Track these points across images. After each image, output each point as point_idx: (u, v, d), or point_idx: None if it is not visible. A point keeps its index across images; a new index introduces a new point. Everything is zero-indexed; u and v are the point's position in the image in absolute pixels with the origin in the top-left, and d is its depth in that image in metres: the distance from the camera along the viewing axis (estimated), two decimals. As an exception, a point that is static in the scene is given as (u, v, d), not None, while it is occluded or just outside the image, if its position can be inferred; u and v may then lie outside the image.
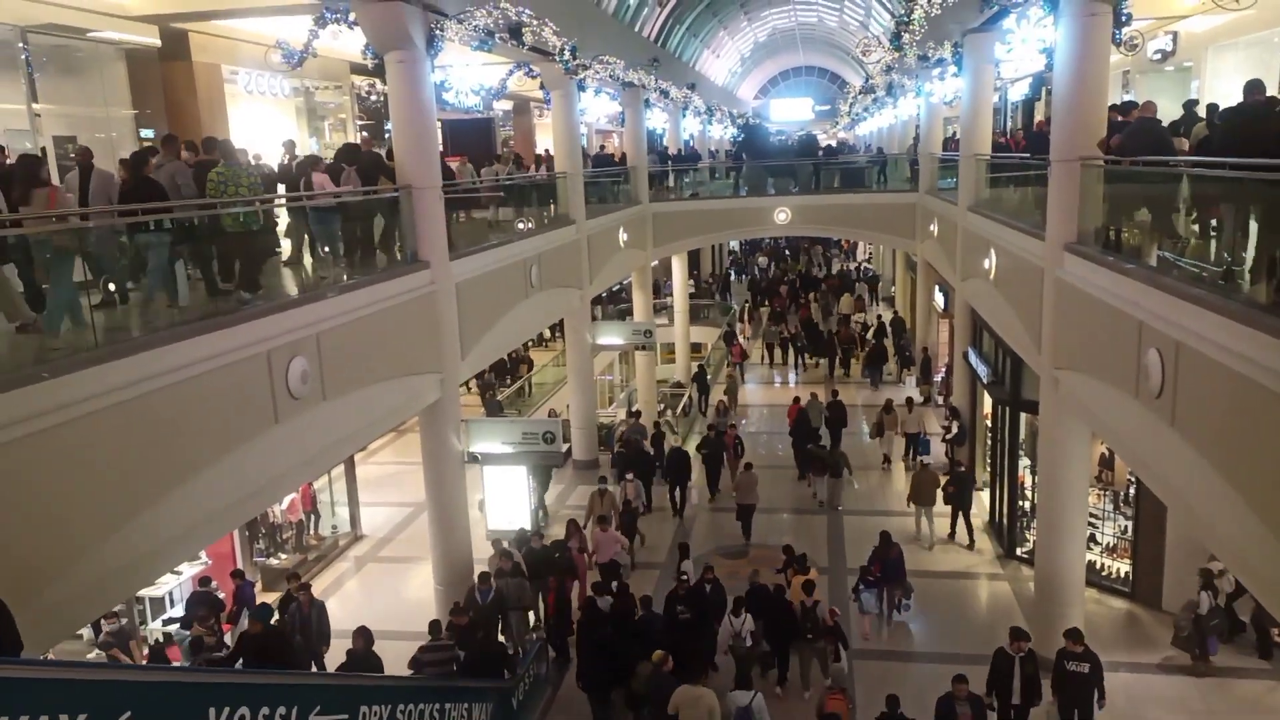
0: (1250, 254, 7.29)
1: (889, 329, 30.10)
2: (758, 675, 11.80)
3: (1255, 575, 6.51)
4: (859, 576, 13.94)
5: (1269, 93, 8.01)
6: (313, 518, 16.71)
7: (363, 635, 10.69)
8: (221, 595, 12.89)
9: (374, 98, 20.57)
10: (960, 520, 16.39)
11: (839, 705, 10.24)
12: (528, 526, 14.73)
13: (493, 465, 14.60)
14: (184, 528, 7.53)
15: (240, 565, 14.26)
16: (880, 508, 18.37)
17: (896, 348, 29.17)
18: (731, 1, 44.45)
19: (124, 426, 6.75)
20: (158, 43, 14.18)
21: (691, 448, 20.17)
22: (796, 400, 21.14)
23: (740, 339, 30.91)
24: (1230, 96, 13.52)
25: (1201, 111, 10.77)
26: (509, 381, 26.39)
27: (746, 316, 36.07)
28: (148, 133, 14.47)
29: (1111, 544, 14.31)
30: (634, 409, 24.25)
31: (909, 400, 20.65)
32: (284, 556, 15.72)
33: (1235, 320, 6.39)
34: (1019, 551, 15.66)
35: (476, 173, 17.38)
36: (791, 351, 30.23)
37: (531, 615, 13.41)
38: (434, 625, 11.44)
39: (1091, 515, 13.83)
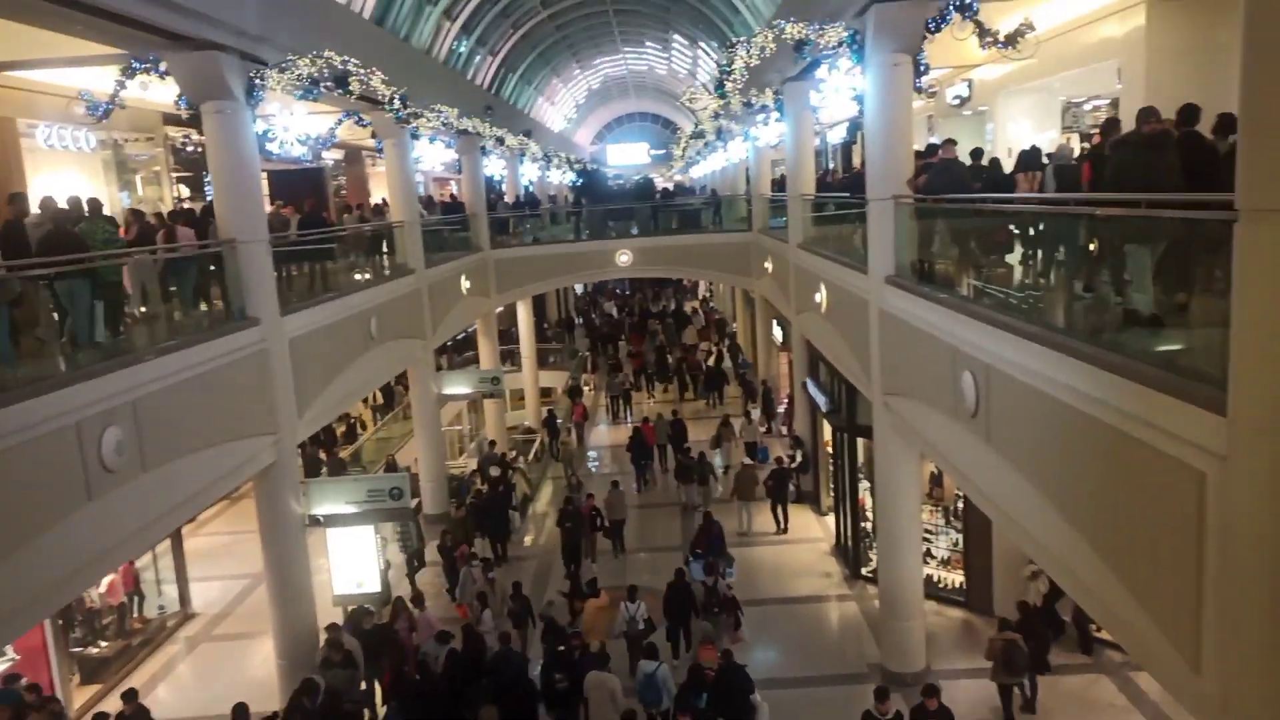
0: (1055, 281, 7.99)
1: (726, 355, 33.99)
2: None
3: (1072, 578, 7.03)
4: (688, 551, 15.99)
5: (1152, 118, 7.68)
6: (136, 599, 15.45)
7: None
8: (29, 698, 11.63)
9: (190, 149, 19.59)
10: (780, 512, 18.66)
11: (709, 655, 11.45)
12: (377, 588, 14.14)
13: (337, 527, 13.95)
14: (-19, 624, 6.81)
15: (54, 657, 12.97)
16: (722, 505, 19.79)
17: (736, 373, 31.75)
18: (563, 51, 45.23)
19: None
20: (-58, 95, 13.07)
21: (545, 506, 20.61)
22: (646, 420, 23.35)
23: (586, 390, 31.16)
24: (1019, 136, 14.87)
25: (1002, 152, 11.72)
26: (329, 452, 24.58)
27: (591, 366, 35.71)
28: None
29: (945, 557, 15.15)
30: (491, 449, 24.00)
31: (746, 414, 23.83)
32: (104, 644, 14.44)
33: (1035, 343, 6.96)
34: (864, 571, 16.31)
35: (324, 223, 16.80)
36: (644, 380, 32.77)
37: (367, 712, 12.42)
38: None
39: (926, 531, 14.63)
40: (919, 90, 11.92)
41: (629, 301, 48.84)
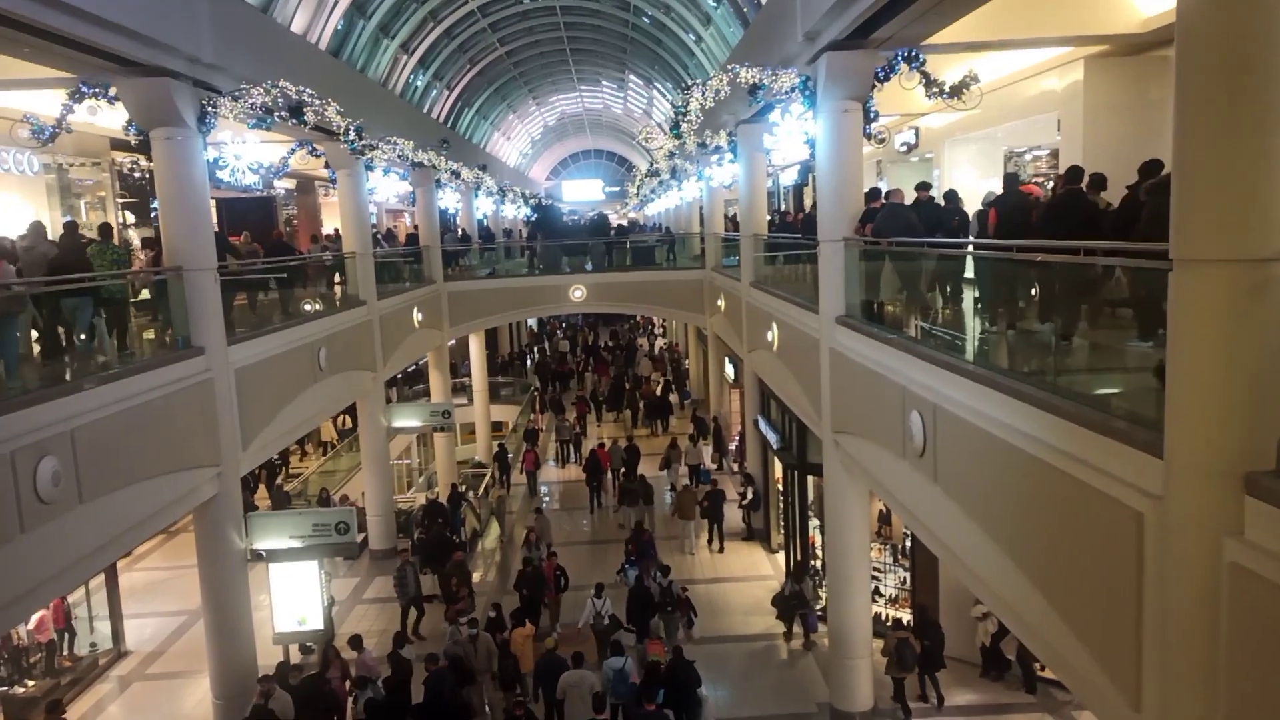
0: (996, 324, 8.22)
1: (672, 385, 36.01)
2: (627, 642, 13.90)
3: (1015, 615, 7.14)
4: (624, 558, 17.33)
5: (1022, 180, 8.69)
6: (66, 636, 14.87)
7: None
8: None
9: (138, 174, 19.27)
10: (715, 530, 19.77)
11: (658, 649, 13.45)
12: (309, 641, 13.66)
13: (280, 562, 13.63)
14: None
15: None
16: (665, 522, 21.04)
17: (681, 404, 33.93)
18: (520, 87, 45.55)
19: None
20: (-124, 113, 12.71)
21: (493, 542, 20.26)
22: (601, 445, 24.41)
23: (539, 432, 30.16)
24: (963, 183, 15.30)
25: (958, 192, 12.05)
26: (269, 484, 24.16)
27: (540, 406, 34.55)
28: None
29: (894, 595, 15.27)
30: (433, 493, 23.55)
31: (691, 437, 25.12)
32: (31, 683, 13.85)
33: (980, 384, 7.13)
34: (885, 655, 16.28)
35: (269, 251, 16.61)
36: (593, 408, 33.32)
37: None
38: None
39: (875, 569, 14.74)
40: (868, 136, 12.24)
41: (577, 335, 48.99)
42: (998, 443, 6.82)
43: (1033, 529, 6.44)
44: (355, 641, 13.25)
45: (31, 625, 13.83)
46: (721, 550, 19.68)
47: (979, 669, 13.78)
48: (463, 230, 30.68)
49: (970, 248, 9.75)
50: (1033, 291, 8.01)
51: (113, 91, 11.04)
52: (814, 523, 16.48)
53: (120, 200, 18.95)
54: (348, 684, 12.60)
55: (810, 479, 16.38)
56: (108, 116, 11.71)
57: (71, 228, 11.04)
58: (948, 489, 8.07)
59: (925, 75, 10.88)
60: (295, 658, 14.55)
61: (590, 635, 14.63)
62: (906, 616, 14.41)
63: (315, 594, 13.68)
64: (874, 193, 11.86)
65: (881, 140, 12.76)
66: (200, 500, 11.73)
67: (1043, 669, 12.98)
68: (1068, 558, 6.02)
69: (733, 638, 15.58)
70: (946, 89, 11.04)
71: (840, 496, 12.73)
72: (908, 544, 14.84)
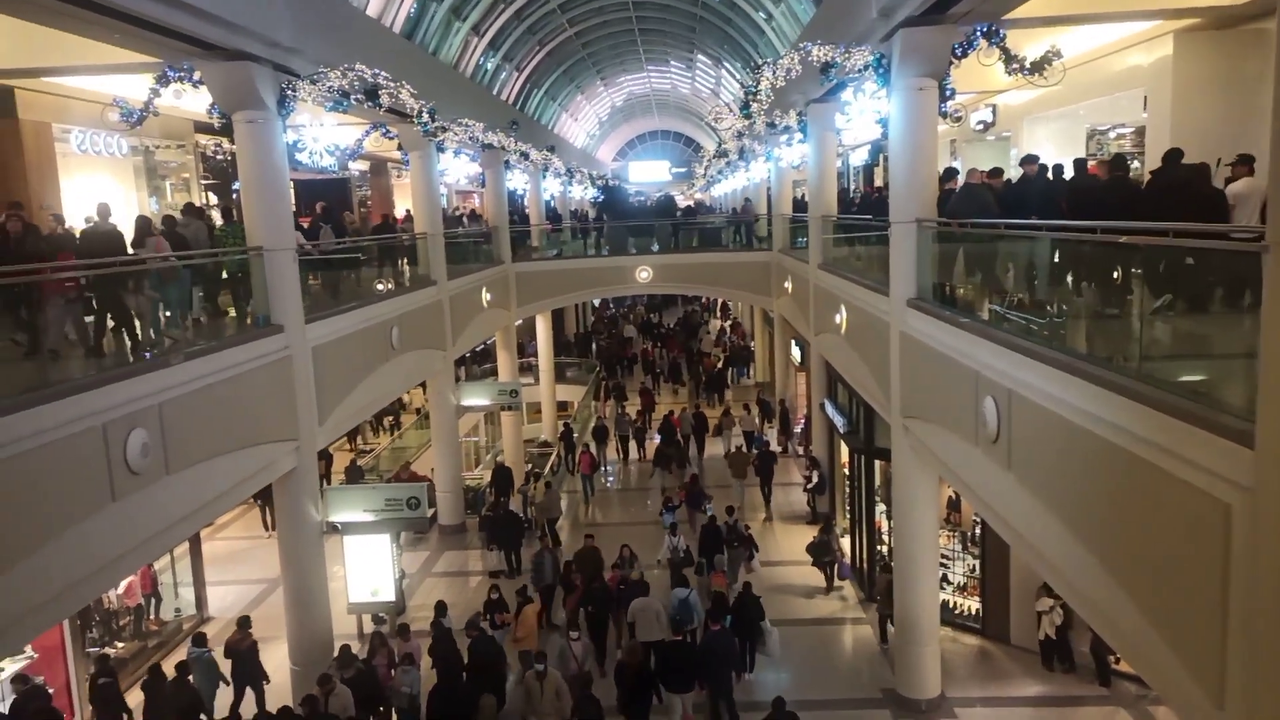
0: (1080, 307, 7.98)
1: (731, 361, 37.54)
2: (692, 575, 15.45)
3: (1091, 607, 6.98)
4: (662, 504, 19.25)
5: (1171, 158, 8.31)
6: (153, 601, 15.54)
7: None
8: (51, 691, 11.75)
9: (220, 156, 19.85)
10: (765, 490, 21.37)
11: (720, 581, 15.31)
12: (390, 609, 13.95)
13: (354, 535, 14.03)
14: (8, 620, 6.89)
15: (71, 657, 13.06)
16: (723, 483, 22.30)
17: (736, 380, 36.19)
18: (588, 68, 45.57)
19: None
20: (-20, 98, 13.33)
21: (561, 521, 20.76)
22: (672, 412, 26.28)
23: (607, 429, 29.46)
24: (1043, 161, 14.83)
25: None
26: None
27: (603, 394, 33.28)
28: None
29: (962, 583, 15.03)
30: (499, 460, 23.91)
31: (745, 406, 27.08)
32: (120, 645, 14.53)
33: (1057, 369, 6.94)
34: (879, 595, 16.19)
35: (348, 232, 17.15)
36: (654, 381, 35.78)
37: None
38: None
39: (943, 556, 14.52)
40: (944, 114, 11.94)
41: (640, 317, 49.25)
42: (1076, 430, 6.64)
43: (1112, 519, 6.27)
44: (403, 629, 13.25)
45: (121, 590, 14.47)
46: (769, 517, 20.91)
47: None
48: (554, 210, 30.98)
49: (1055, 231, 9.44)
50: (1115, 275, 7.73)
51: (196, 75, 11.36)
52: (880, 508, 16.29)
53: (203, 182, 19.57)
54: (393, 671, 12.49)
55: (877, 463, 16.18)
56: (192, 100, 12.10)
57: (197, 212, 11.62)
58: (1022, 477, 7.90)
59: (1005, 51, 10.54)
60: (369, 627, 14.98)
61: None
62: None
63: (387, 566, 14.05)
64: (948, 173, 11.59)
65: (958, 119, 12.41)
66: (279, 473, 12.11)
67: (1117, 661, 12.66)
68: (1150, 550, 5.85)
69: (796, 621, 15.51)
70: (1027, 65, 10.68)
71: (908, 482, 12.56)
72: (978, 531, 14.58)
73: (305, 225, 15.64)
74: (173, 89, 11.46)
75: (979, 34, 10.56)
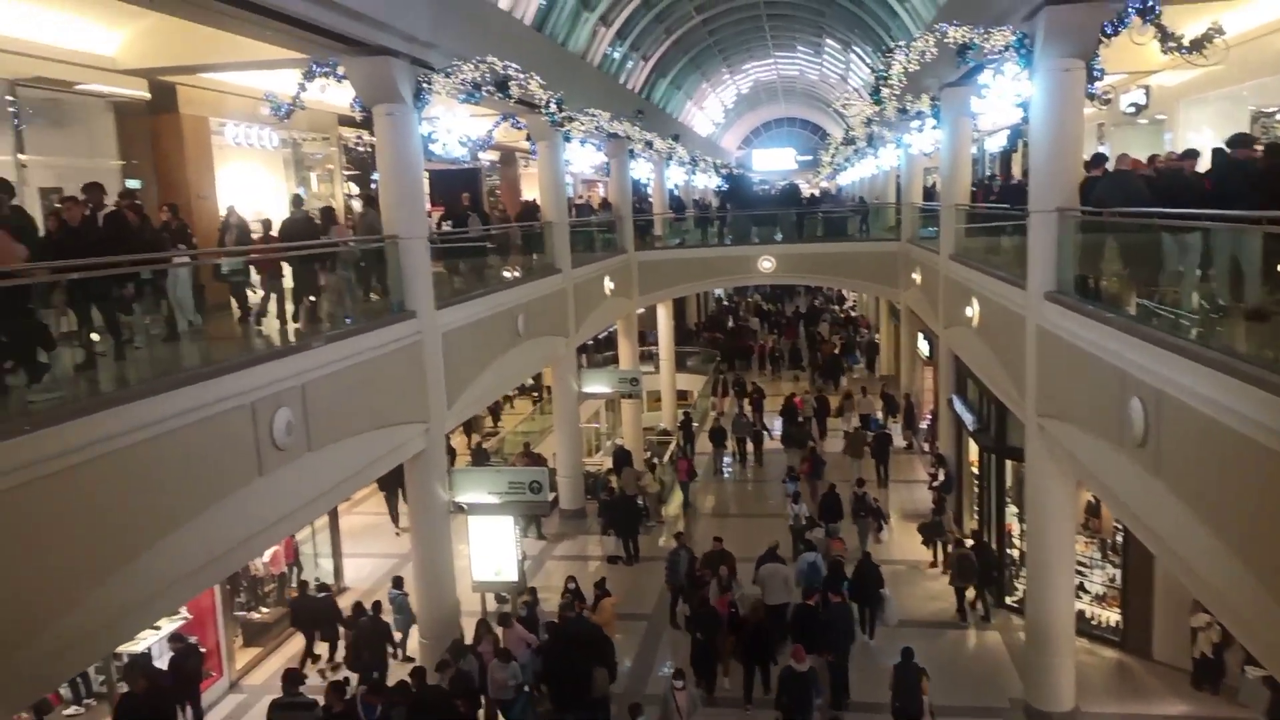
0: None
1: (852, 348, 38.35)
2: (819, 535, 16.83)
3: (1247, 627, 6.50)
4: (785, 474, 20.72)
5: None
6: (295, 570, 16.43)
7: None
8: (204, 650, 12.61)
9: (360, 148, 20.72)
10: (882, 469, 22.44)
11: (839, 546, 16.01)
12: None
13: (478, 515, 14.45)
14: (168, 581, 7.41)
15: (221, 619, 13.97)
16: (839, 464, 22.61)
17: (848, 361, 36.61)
18: (714, 55, 45.30)
19: (108, 480, 6.66)
20: (146, 95, 14.25)
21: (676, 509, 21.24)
22: (793, 395, 27.33)
23: (717, 414, 29.62)
24: (1201, 148, 13.87)
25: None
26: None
27: (721, 389, 32.53)
28: (134, 183, 14.48)
29: (1101, 593, 14.26)
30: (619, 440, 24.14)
31: (863, 389, 27.94)
32: (265, 610, 15.44)
33: (1216, 370, 6.45)
34: (1008, 600, 15.58)
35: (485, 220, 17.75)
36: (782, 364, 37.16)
37: None
38: (290, 676, 11.04)
39: (1080, 563, 13.81)
40: (1091, 97, 11.27)
41: (761, 308, 48.78)
42: (1236, 436, 6.16)
43: (1275, 533, 5.80)
44: (505, 619, 13.37)
45: (266, 559, 15.37)
46: (885, 484, 22.10)
47: (1189, 676, 12.70)
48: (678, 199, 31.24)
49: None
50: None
51: (341, 70, 11.85)
52: (1011, 510, 15.64)
53: (345, 172, 20.48)
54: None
55: (1009, 464, 15.52)
56: (335, 94, 12.65)
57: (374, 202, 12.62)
58: (1172, 484, 7.42)
59: (1161, 28, 9.84)
60: (492, 605, 15.44)
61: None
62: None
63: (510, 547, 14.41)
64: (1096, 159, 10.94)
65: (1107, 101, 11.71)
66: (410, 454, 12.58)
67: None
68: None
69: (919, 623, 15.08)
70: (1185, 43, 9.95)
71: (1044, 485, 11.99)
72: (1119, 539, 13.80)
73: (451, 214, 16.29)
74: (318, 84, 12.00)
75: (1132, 10, 9.91)
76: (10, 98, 12.48)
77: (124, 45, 12.98)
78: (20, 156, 12.70)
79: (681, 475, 22.52)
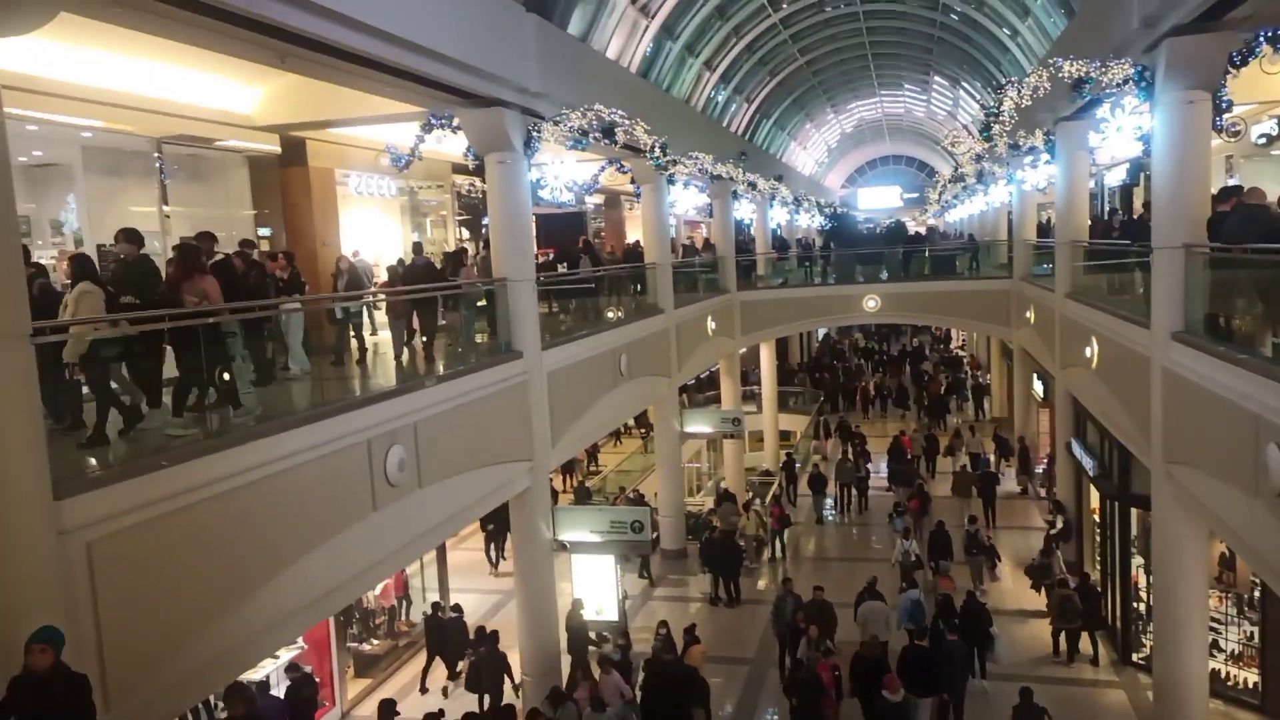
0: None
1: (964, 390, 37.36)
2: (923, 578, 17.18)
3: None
4: (893, 509, 21.11)
5: None
6: (404, 603, 16.86)
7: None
8: (318, 680, 13.05)
9: (472, 194, 21.49)
10: (989, 511, 21.85)
11: (949, 585, 16.16)
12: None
13: (581, 554, 14.58)
14: (289, 611, 7.74)
15: (334, 650, 14.43)
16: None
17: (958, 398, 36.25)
18: (818, 95, 45.23)
19: (234, 513, 7.05)
20: (278, 150, 15.19)
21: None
22: (902, 433, 27.38)
23: (819, 457, 29.20)
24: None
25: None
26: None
27: (824, 432, 31.45)
28: (265, 231, 15.42)
29: (1237, 651, 13.33)
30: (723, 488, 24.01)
31: (971, 428, 27.76)
32: (375, 642, 15.87)
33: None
34: (1135, 657, 14.72)
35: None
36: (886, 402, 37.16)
37: None
38: (384, 707, 11.93)
39: (1213, 620, 12.94)
40: (1218, 129, 10.79)
41: (869, 350, 48.00)
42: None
43: None
44: (604, 661, 13.25)
45: (378, 591, 15.84)
46: (992, 525, 21.43)
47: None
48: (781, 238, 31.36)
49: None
50: None
51: (456, 122, 12.41)
52: (1137, 561, 14.81)
53: (458, 218, 21.25)
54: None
55: (1134, 512, 14.74)
56: (450, 144, 13.21)
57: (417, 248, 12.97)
58: (1316, 536, 6.93)
59: (1294, 57, 9.41)
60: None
61: None
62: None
63: (611, 586, 14.46)
64: (1225, 192, 10.43)
65: (1235, 133, 11.18)
66: (515, 491, 12.82)
67: None
68: None
69: (1040, 679, 14.33)
70: (1322, 71, 9.48)
71: (1172, 535, 11.34)
72: (1257, 594, 12.89)
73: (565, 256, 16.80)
74: (435, 135, 12.59)
75: (1262, 39, 9.50)
76: (157, 154, 13.51)
77: (260, 103, 13.88)
78: (164, 208, 13.71)
79: (774, 524, 21.38)
